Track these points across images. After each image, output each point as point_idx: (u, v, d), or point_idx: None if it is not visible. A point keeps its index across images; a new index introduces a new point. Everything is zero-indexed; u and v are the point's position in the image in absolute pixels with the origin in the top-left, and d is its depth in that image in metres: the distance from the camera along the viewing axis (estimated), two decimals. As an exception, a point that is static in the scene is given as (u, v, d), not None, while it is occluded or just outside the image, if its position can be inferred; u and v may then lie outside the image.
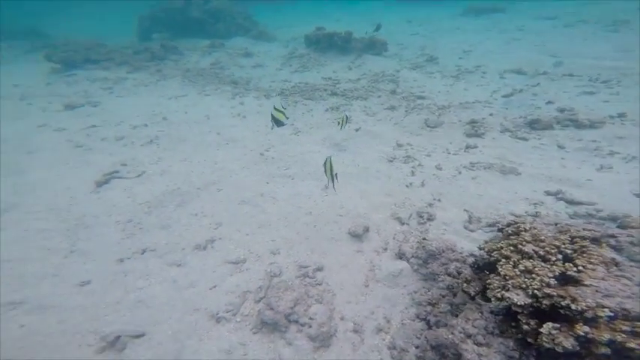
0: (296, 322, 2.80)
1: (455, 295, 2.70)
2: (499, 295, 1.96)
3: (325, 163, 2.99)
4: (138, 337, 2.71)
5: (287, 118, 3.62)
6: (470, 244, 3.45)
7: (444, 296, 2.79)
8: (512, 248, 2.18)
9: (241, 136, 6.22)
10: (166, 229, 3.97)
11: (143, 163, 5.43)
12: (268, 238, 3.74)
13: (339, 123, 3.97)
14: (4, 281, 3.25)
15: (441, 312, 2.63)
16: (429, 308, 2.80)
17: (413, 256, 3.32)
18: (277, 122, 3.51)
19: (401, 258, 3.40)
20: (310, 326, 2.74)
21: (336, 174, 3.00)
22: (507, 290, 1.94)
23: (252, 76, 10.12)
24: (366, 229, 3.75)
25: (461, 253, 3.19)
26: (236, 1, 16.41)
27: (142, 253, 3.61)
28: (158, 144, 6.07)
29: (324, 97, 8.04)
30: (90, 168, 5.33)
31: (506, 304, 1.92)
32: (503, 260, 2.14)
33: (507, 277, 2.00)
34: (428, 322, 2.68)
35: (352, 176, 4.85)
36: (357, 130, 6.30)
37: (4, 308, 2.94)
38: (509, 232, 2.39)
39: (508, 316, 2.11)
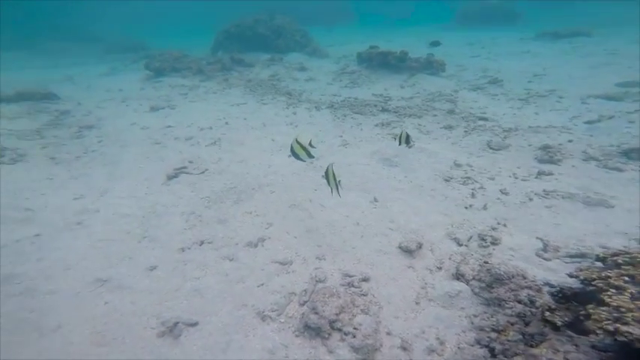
0: (339, 330, 2.56)
1: (527, 323, 2.30)
2: (610, 328, 1.58)
3: (327, 171, 2.79)
4: (192, 325, 2.64)
5: (310, 156, 2.97)
6: (544, 272, 2.98)
7: (512, 324, 2.39)
8: (626, 278, 1.79)
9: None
10: (223, 223, 3.94)
11: (206, 161, 5.51)
12: (315, 244, 3.55)
13: (395, 138, 3.58)
14: (97, 259, 3.38)
15: (509, 340, 2.24)
16: (493, 335, 2.41)
17: (474, 279, 2.93)
18: (295, 155, 2.96)
19: (459, 279, 3.02)
20: (354, 336, 2.49)
21: (340, 180, 2.82)
22: (626, 324, 1.56)
23: (305, 89, 10.05)
24: (419, 246, 3.40)
25: (533, 280, 2.74)
26: (296, 19, 16.62)
27: (201, 245, 3.59)
28: (220, 145, 6.16)
29: (374, 113, 7.60)
30: (164, 163, 5.52)
31: (624, 339, 1.54)
32: (613, 291, 1.76)
33: (623, 309, 1.63)
34: (492, 350, 2.29)
35: (404, 192, 4.48)
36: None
37: (94, 285, 3.04)
38: (620, 261, 1.97)
39: (622, 354, 1.72)
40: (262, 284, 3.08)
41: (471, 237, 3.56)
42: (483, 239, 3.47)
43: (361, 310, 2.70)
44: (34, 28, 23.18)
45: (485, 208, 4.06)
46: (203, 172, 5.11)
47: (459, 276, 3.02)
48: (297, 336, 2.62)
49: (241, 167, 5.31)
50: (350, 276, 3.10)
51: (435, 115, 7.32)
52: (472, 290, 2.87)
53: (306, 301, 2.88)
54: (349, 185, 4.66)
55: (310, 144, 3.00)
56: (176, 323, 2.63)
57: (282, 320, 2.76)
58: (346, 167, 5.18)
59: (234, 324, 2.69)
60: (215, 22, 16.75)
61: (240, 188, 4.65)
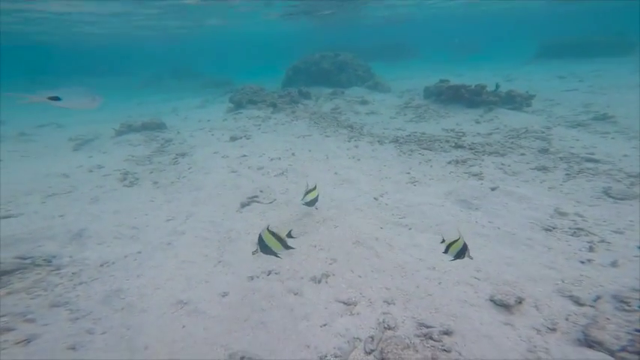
0: None
1: None
2: None
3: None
4: None
5: (284, 247, 2.53)
6: None
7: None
8: None
9: (355, 178, 6.01)
10: (289, 255, 3.92)
11: (274, 191, 5.69)
12: (382, 285, 3.28)
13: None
14: (180, 280, 3.58)
15: None
16: None
17: (625, 350, 2.34)
18: (263, 248, 2.55)
19: (592, 347, 2.45)
20: None
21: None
22: None
23: (366, 122, 10.03)
24: (519, 301, 2.91)
25: None
26: (359, 55, 17.12)
27: (268, 275, 3.60)
28: (287, 176, 6.35)
29: (445, 149, 7.01)
30: (238, 191, 5.86)
31: None
32: None
33: None
34: None
35: (489, 239, 3.96)
36: (492, 189, 5.15)
37: (175, 307, 3.17)
38: None
39: None
40: (325, 324, 2.91)
41: (599, 297, 2.91)
42: (624, 302, 2.77)
43: (442, 371, 2.33)
44: (160, 69, 28.47)
45: (615, 265, 3.33)
46: (272, 202, 5.28)
47: (591, 343, 2.44)
48: (361, 390, 2.36)
49: (306, 198, 5.35)
50: (427, 327, 2.74)
51: (523, 154, 6.42)
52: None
53: (372, 350, 2.61)
54: (422, 226, 4.29)
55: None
56: (242, 358, 2.58)
57: (345, 369, 2.53)
58: (417, 207, 4.81)
59: (298, 367, 2.54)
60: (291, 60, 18.16)
61: (305, 220, 4.64)
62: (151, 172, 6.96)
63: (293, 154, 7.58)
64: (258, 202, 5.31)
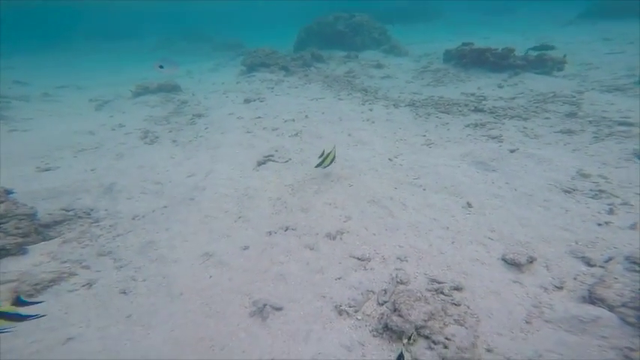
0: (427, 337, 2.22)
1: None
2: None
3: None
4: (277, 309, 2.59)
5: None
6: None
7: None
8: None
9: (370, 140, 5.72)
10: (305, 212, 3.85)
11: (289, 151, 5.50)
12: (395, 243, 3.20)
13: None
14: (204, 234, 3.58)
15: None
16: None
17: (626, 306, 2.26)
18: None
19: (594, 303, 2.38)
20: (446, 347, 2.12)
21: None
22: None
23: (381, 86, 9.39)
24: (530, 260, 2.81)
25: None
26: (374, 17, 15.61)
27: (285, 230, 3.56)
28: (301, 137, 6.09)
29: (464, 113, 6.46)
30: (254, 150, 5.70)
31: None
32: None
33: None
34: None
35: (505, 200, 3.74)
36: (512, 151, 4.76)
37: (202, 258, 3.20)
38: None
39: None
40: (340, 278, 2.89)
41: (611, 258, 2.77)
42: (636, 263, 2.62)
43: (454, 320, 2.30)
44: (171, 31, 26.93)
45: (634, 227, 3.11)
46: (287, 162, 5.11)
47: (594, 300, 2.37)
48: (374, 336, 2.37)
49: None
50: (439, 282, 2.69)
51: (547, 118, 5.80)
52: (622, 319, 2.20)
53: (385, 302, 2.60)
54: (436, 187, 4.10)
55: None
56: (264, 305, 2.61)
57: (359, 317, 2.54)
58: (432, 168, 4.56)
59: (313, 314, 2.56)
60: (303, 21, 16.77)
61: (320, 179, 4.50)
62: (170, 131, 6.81)
63: (306, 116, 7.24)
64: (273, 160, 5.16)
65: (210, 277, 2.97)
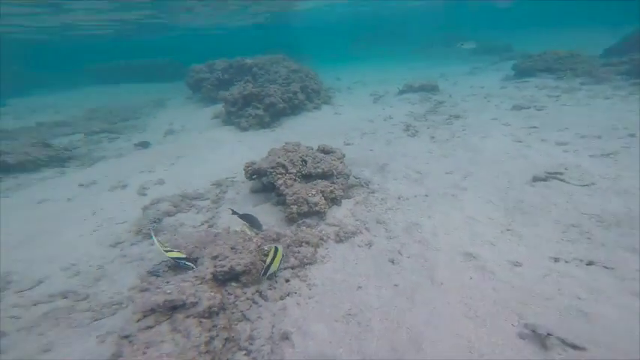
0: None
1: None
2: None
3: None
4: (574, 348, 2.04)
5: None
6: None
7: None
8: None
9: None
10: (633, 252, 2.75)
11: (593, 175, 4.13)
12: None
13: None
14: (465, 234, 3.48)
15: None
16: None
17: None
18: None
19: None
20: None
21: None
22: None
23: None
24: None
25: None
26: None
27: (588, 265, 2.74)
28: (614, 158, 4.38)
29: None
30: (526, 162, 4.84)
31: None
32: None
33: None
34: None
35: None
36: None
37: (463, 257, 3.12)
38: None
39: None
40: None
41: None
42: None
43: None
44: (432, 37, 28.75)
45: None
46: (587, 186, 3.89)
47: None
48: None
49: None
50: None
51: None
52: None
53: None
54: None
55: None
56: (548, 335, 2.15)
57: None
58: None
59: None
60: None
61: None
62: (428, 128, 7.28)
63: (631, 135, 5.08)
64: (561, 180, 4.12)
65: (471, 278, 2.84)
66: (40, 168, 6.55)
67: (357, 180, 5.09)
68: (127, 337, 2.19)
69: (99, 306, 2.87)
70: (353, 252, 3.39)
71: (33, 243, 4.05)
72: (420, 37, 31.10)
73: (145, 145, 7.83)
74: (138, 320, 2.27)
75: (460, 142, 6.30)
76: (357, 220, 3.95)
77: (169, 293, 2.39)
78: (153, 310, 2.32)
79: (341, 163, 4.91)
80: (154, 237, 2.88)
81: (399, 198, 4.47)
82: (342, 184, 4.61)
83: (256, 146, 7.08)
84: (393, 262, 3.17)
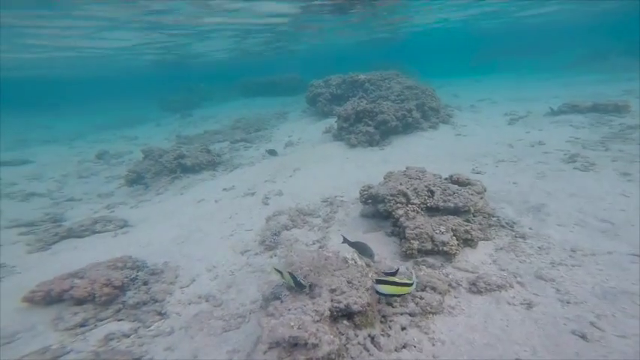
0: None
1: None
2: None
3: None
4: None
5: None
6: None
7: None
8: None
9: None
10: None
11: None
12: None
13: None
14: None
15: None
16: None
17: None
18: None
19: None
20: None
21: None
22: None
23: None
24: None
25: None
26: None
27: None
28: None
29: None
30: None
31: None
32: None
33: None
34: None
35: None
36: None
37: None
38: None
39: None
40: None
41: None
42: None
43: None
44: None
45: None
46: None
47: None
48: None
49: None
50: None
51: None
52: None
53: None
54: None
55: None
56: None
57: None
58: None
59: None
60: None
61: None
62: (614, 161, 5.24)
63: None
64: None
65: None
66: (202, 170, 8.27)
67: (496, 219, 4.09)
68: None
69: (229, 315, 3.11)
70: (500, 310, 2.72)
71: (192, 239, 4.94)
72: (577, 46, 24.67)
73: (273, 152, 8.75)
74: (264, 352, 2.24)
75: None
76: (501, 270, 3.19)
77: (293, 327, 2.31)
78: (278, 344, 2.28)
79: (481, 199, 4.04)
80: (280, 271, 2.83)
81: (574, 250, 3.33)
82: (480, 224, 3.75)
83: (364, 165, 6.82)
84: (583, 337, 2.35)
